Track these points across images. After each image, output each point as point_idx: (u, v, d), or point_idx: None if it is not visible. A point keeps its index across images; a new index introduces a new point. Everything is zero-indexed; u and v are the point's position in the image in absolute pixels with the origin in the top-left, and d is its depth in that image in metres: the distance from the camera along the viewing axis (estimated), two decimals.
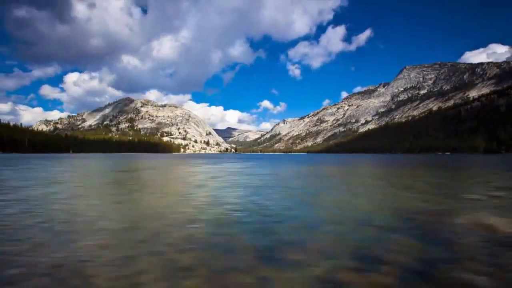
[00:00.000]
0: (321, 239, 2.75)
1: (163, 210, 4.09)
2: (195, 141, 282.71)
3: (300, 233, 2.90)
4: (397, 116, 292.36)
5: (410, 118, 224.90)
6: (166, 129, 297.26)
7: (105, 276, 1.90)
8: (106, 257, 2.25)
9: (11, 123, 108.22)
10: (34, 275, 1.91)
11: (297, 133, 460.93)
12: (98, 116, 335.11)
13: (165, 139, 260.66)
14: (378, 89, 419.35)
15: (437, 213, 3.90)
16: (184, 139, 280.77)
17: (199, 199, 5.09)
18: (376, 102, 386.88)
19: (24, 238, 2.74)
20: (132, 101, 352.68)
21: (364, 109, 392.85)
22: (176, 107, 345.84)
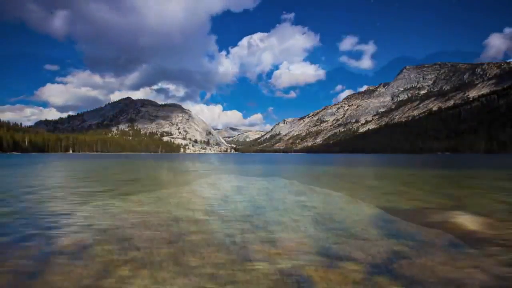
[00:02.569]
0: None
1: None
2: (195, 141, 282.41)
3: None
4: (397, 116, 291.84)
5: (410, 118, 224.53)
6: (166, 129, 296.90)
7: None
8: None
9: (11, 123, 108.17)
10: None
11: (297, 133, 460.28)
12: (98, 116, 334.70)
13: (165, 139, 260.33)
14: (378, 89, 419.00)
15: (410, 212, 3.85)
16: (184, 139, 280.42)
17: None
18: (376, 102, 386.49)
19: None
20: (132, 100, 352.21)
21: (364, 109, 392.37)
22: (176, 107, 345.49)
